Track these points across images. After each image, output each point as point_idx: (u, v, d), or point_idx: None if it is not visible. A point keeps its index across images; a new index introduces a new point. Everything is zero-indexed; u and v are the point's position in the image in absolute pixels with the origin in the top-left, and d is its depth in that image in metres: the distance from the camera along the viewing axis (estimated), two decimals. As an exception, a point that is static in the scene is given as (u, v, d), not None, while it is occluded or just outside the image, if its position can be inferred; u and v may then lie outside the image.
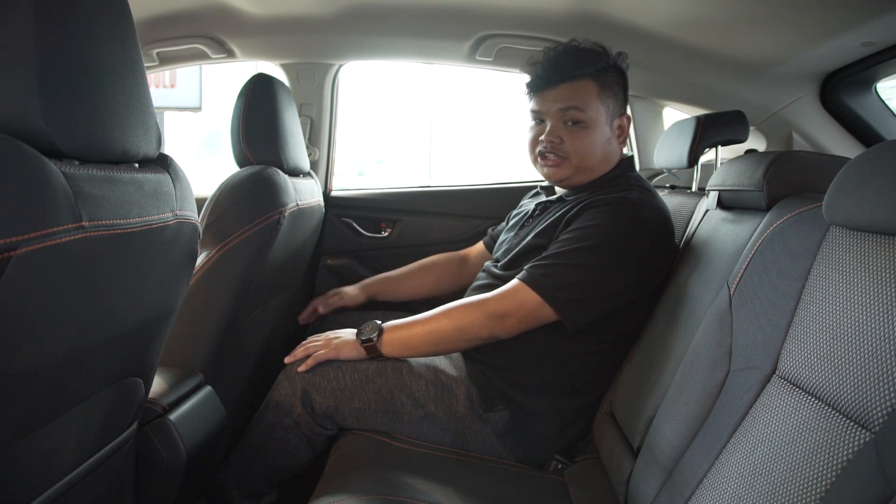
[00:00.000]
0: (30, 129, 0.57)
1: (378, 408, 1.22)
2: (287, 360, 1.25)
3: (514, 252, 1.32)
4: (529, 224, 1.38)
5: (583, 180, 1.32)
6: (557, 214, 1.28)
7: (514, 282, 1.18)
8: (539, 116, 1.31)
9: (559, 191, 1.38)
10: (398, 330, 1.21)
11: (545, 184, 1.50)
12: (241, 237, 1.20)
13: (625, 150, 1.38)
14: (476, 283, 1.40)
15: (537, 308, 1.15)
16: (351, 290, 1.64)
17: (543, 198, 1.43)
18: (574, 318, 1.15)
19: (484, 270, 1.41)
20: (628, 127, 1.34)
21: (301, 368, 1.21)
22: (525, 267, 1.20)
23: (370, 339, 1.20)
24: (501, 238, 1.48)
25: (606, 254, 1.15)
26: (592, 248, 1.16)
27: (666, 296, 1.20)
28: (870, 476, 0.53)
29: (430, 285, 1.67)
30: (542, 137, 1.30)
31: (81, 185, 0.61)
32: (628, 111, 1.38)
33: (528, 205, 1.49)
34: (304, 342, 1.26)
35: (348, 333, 1.24)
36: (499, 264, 1.36)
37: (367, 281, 1.68)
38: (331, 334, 1.26)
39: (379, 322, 1.23)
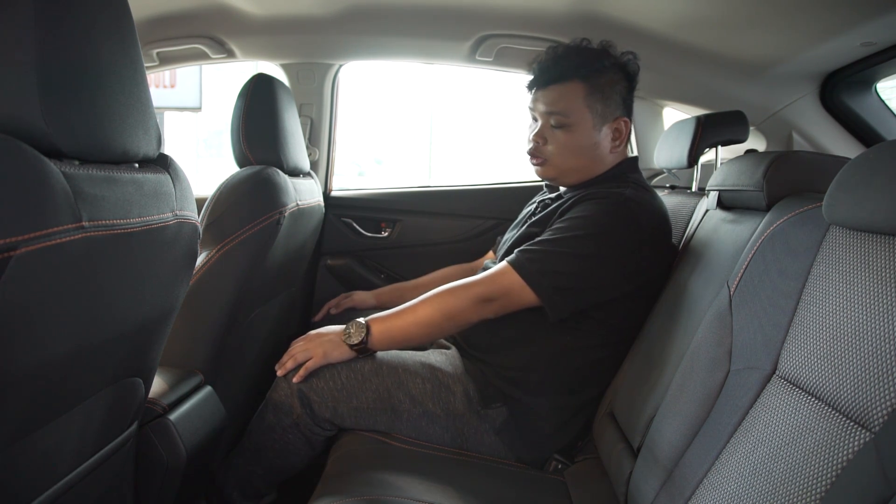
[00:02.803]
0: (30, 129, 0.57)
1: (376, 406, 1.22)
2: (279, 372, 1.22)
3: (510, 246, 1.33)
4: (530, 221, 1.39)
5: (575, 179, 1.33)
6: (553, 208, 1.29)
7: (502, 264, 1.19)
8: (533, 115, 1.33)
9: (562, 189, 1.39)
10: (385, 322, 1.21)
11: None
12: (241, 237, 1.20)
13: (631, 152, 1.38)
14: None
15: (521, 292, 1.16)
16: (363, 295, 1.67)
17: (547, 194, 1.44)
18: (556, 306, 1.15)
19: (484, 269, 1.41)
20: (627, 130, 1.30)
21: (295, 380, 1.19)
22: (516, 252, 1.20)
23: (361, 342, 1.19)
24: (505, 236, 1.48)
25: (593, 246, 1.16)
26: (580, 238, 1.16)
27: (666, 296, 1.20)
28: (870, 476, 0.53)
29: None
30: (530, 136, 1.32)
31: (81, 186, 0.61)
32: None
33: (531, 204, 1.50)
34: (289, 350, 1.24)
35: (333, 333, 1.22)
36: (502, 249, 1.37)
37: (379, 290, 1.70)
38: (312, 334, 1.24)
39: (363, 321, 1.21)
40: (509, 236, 1.45)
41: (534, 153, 1.32)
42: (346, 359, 1.21)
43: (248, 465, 1.28)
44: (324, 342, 1.21)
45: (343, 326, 1.23)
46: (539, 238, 1.21)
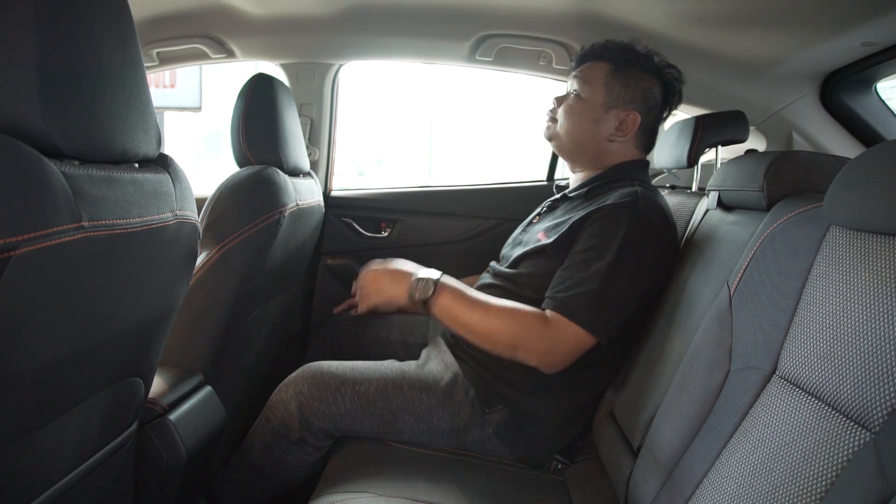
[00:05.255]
0: (30, 129, 0.57)
1: (380, 430, 1.21)
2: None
3: (518, 251, 1.32)
4: (536, 222, 1.39)
5: (570, 151, 1.37)
6: (564, 216, 1.29)
7: (553, 316, 1.12)
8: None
9: (573, 181, 1.40)
10: (453, 302, 1.15)
11: (561, 182, 1.53)
12: (241, 237, 1.20)
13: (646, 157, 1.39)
14: (481, 282, 1.39)
15: (585, 342, 1.12)
16: None
17: (554, 195, 1.44)
18: (607, 334, 1.13)
19: (489, 270, 1.41)
20: (633, 127, 1.31)
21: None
22: (559, 297, 1.13)
23: (425, 300, 1.16)
24: (512, 235, 1.48)
25: (625, 268, 1.13)
26: (614, 265, 1.13)
27: (666, 296, 1.20)
28: (870, 476, 0.53)
29: None
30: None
31: (81, 185, 0.61)
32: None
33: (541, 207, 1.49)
34: (359, 279, 1.25)
35: (405, 278, 1.19)
36: (505, 263, 1.36)
37: None
38: (390, 269, 1.22)
39: (433, 281, 1.17)
40: (515, 236, 1.45)
41: (549, 113, 1.40)
42: (400, 305, 1.19)
43: (246, 480, 1.28)
44: (392, 285, 1.20)
45: (415, 273, 1.20)
46: (577, 275, 1.14)
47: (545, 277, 1.21)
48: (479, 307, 1.15)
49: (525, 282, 1.26)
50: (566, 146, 1.38)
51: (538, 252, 1.26)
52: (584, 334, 1.11)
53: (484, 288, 1.34)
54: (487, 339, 1.15)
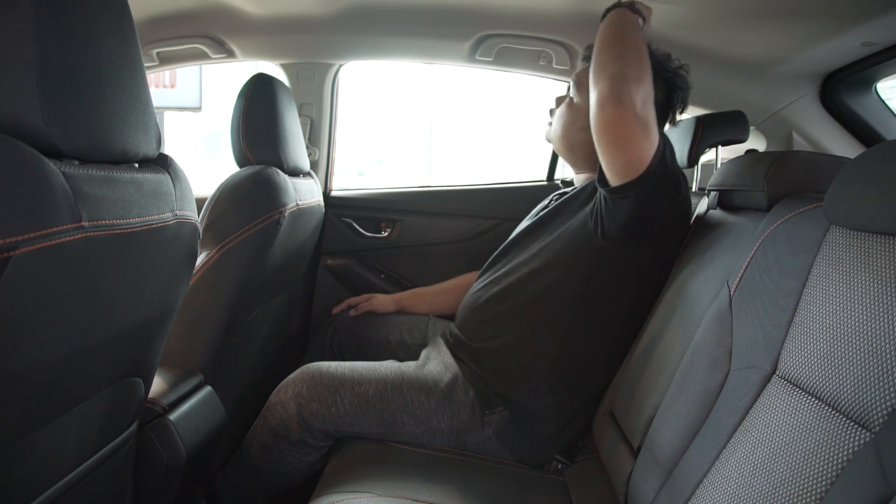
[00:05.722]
0: (30, 129, 0.57)
1: (379, 431, 1.21)
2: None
3: (520, 231, 1.34)
4: (542, 213, 1.40)
5: (567, 154, 1.39)
6: (570, 196, 1.31)
7: (656, 132, 1.12)
8: None
9: (577, 182, 1.42)
10: (637, 24, 1.16)
11: (567, 178, 1.54)
12: (241, 237, 1.20)
13: None
14: (477, 287, 1.39)
15: (650, 145, 1.09)
16: (384, 299, 1.67)
17: (561, 189, 1.46)
18: (655, 162, 1.10)
19: (490, 272, 1.40)
20: None
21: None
22: None
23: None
24: (512, 234, 1.48)
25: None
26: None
27: (666, 295, 1.20)
28: (870, 476, 0.53)
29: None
30: None
31: (81, 185, 0.61)
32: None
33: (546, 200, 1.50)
34: None
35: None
36: (508, 241, 1.39)
37: (400, 294, 1.69)
38: None
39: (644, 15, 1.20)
40: (517, 236, 1.45)
41: (550, 113, 1.43)
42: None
43: (245, 481, 1.28)
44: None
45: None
46: None
47: (570, 242, 1.22)
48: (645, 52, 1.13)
49: (548, 258, 1.25)
50: (561, 150, 1.41)
51: (537, 228, 1.27)
52: (654, 141, 1.09)
53: (485, 287, 1.33)
54: (625, 48, 1.11)
